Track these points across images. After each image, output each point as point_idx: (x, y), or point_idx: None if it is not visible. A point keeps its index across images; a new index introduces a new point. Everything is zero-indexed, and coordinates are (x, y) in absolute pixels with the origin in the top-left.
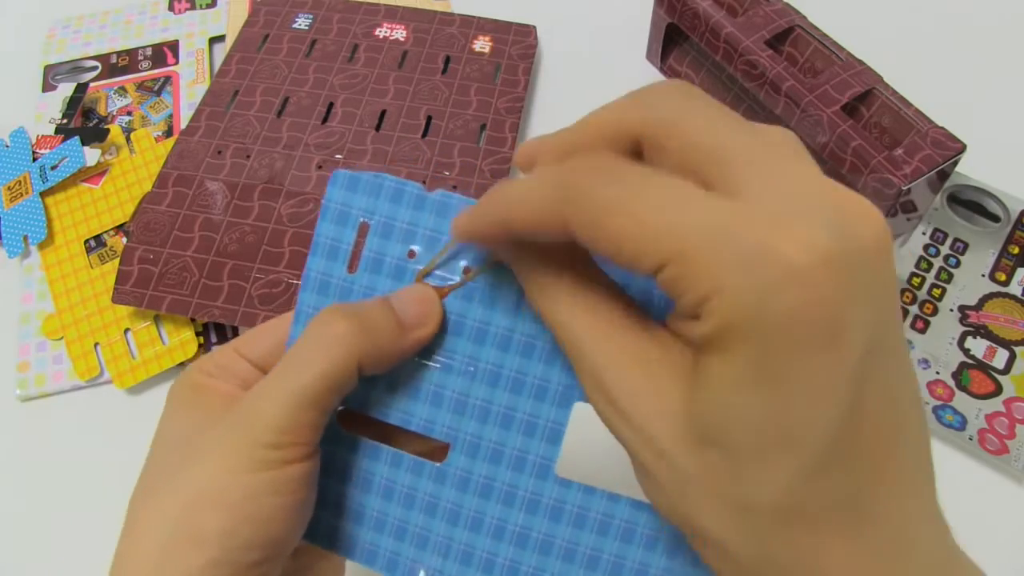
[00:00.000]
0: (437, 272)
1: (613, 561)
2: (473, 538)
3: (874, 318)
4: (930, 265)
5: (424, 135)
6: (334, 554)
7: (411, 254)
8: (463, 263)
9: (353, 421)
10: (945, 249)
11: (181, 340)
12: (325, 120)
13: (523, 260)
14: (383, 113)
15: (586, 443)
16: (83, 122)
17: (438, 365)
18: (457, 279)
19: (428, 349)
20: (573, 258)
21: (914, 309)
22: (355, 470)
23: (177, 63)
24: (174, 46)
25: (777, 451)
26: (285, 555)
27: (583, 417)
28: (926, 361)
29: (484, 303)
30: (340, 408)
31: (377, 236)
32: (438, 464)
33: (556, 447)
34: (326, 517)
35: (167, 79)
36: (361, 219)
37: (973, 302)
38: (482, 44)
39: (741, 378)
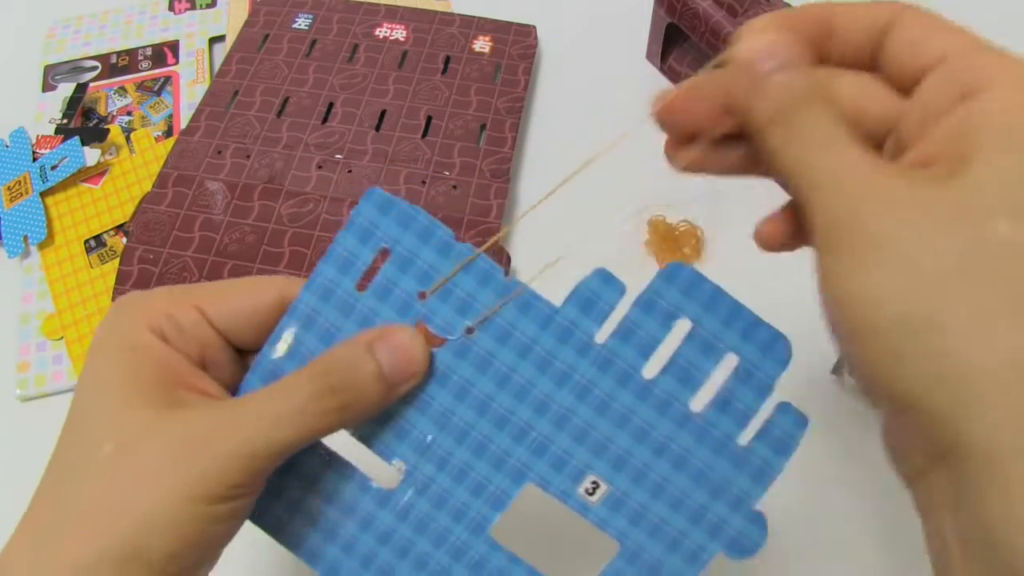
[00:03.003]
0: (440, 319)
1: None
2: (397, 563)
3: None
4: None
5: (424, 135)
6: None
7: (421, 295)
8: (467, 322)
9: None
10: None
11: None
12: (325, 120)
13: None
14: (383, 113)
15: (528, 521)
16: (83, 122)
17: (414, 404)
18: (457, 335)
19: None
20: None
21: None
22: (303, 469)
23: (177, 63)
24: (174, 46)
25: None
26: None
27: (532, 498)
28: None
29: (475, 365)
30: None
31: (394, 266)
32: (385, 488)
33: (497, 512)
34: (269, 504)
35: (167, 79)
36: (383, 244)
37: None
38: (482, 44)
39: None
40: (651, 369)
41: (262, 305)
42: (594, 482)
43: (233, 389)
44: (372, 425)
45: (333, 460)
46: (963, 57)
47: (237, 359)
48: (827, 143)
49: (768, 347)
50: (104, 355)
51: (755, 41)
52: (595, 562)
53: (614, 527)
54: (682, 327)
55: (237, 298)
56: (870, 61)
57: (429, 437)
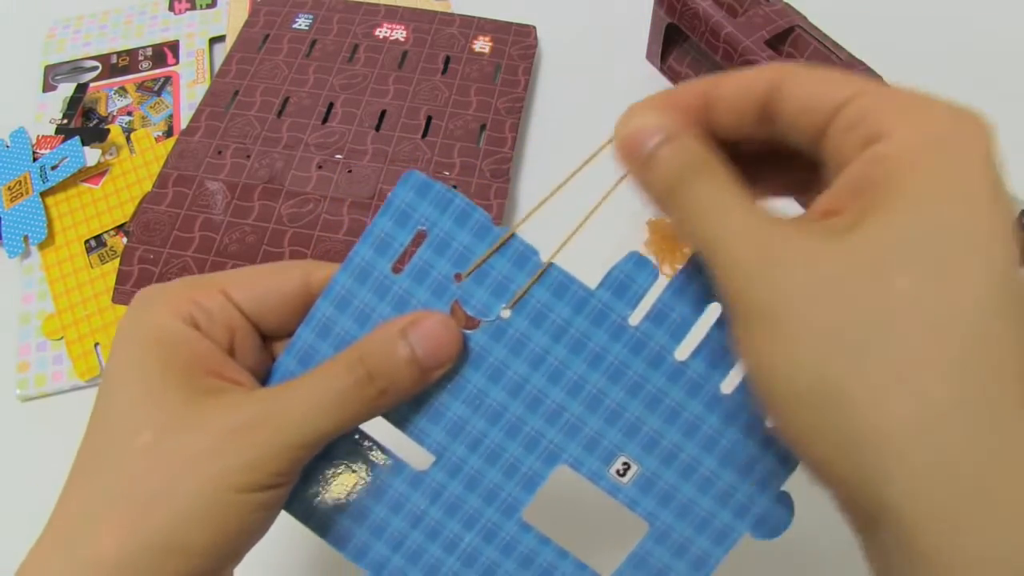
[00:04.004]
0: (475, 301)
1: None
2: (427, 544)
3: None
4: None
5: (424, 135)
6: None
7: (457, 277)
8: (503, 305)
9: None
10: None
11: None
12: (325, 120)
13: (693, 174)
14: (383, 113)
15: (557, 502)
16: (83, 122)
17: (447, 387)
18: (492, 317)
19: None
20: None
21: None
22: (337, 453)
23: (177, 63)
24: (174, 46)
25: None
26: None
27: (561, 479)
28: None
29: (510, 347)
30: None
31: (431, 248)
32: (417, 470)
33: (529, 495)
34: (301, 491)
35: (167, 79)
36: (420, 226)
37: None
38: (482, 44)
39: None
40: (683, 351)
41: (288, 289)
42: (625, 463)
43: (259, 376)
44: (405, 408)
45: (364, 442)
46: (861, 103)
47: (262, 346)
48: (716, 213)
49: None
50: (133, 345)
51: (636, 120)
52: (624, 543)
53: (644, 508)
54: (714, 310)
55: (263, 282)
56: (758, 126)
57: (462, 418)
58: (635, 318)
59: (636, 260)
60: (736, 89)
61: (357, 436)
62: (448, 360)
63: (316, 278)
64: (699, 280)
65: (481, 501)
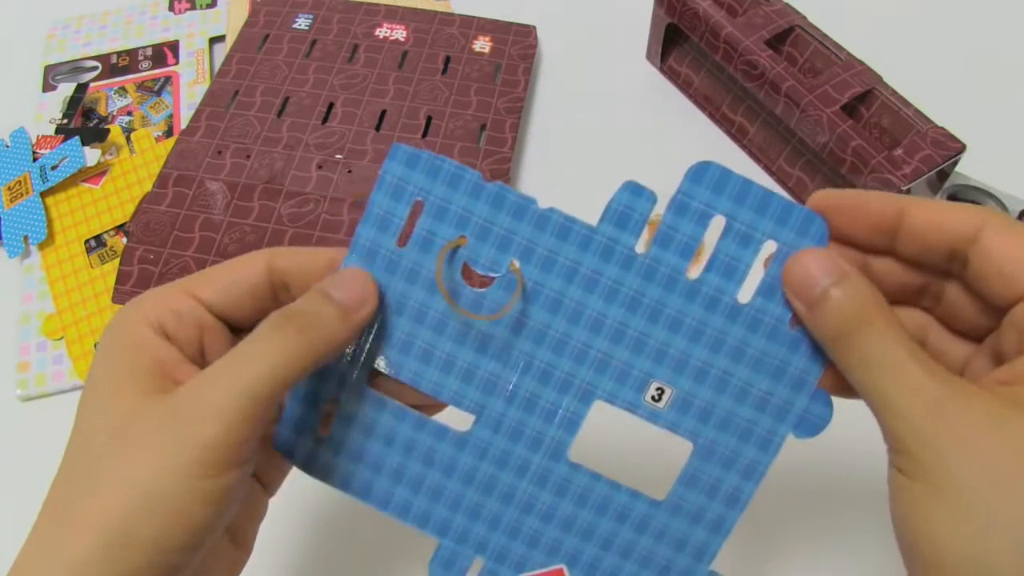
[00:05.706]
0: (484, 259)
1: (605, 536)
2: (483, 499)
3: None
4: None
5: (424, 135)
6: (240, 547)
7: (462, 239)
8: (511, 258)
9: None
10: None
11: None
12: (325, 120)
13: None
14: (383, 113)
15: (600, 438)
16: (83, 122)
17: (474, 347)
18: (502, 272)
19: (464, 330)
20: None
21: None
22: (380, 427)
23: (177, 63)
24: (174, 46)
25: None
26: (204, 552)
27: (600, 416)
28: None
29: (525, 297)
30: (373, 368)
31: (430, 216)
32: (461, 432)
33: (571, 435)
34: (354, 469)
35: (167, 79)
36: (416, 197)
37: None
38: (482, 44)
39: None
40: (694, 270)
41: (252, 279)
42: (659, 388)
43: None
44: (436, 373)
45: (406, 414)
46: None
47: (233, 340)
48: (890, 367)
49: (804, 227)
50: (104, 355)
51: (810, 257)
52: (673, 467)
53: (685, 428)
54: (719, 223)
55: (226, 276)
56: (943, 263)
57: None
58: (641, 246)
59: (632, 188)
60: (932, 223)
61: (397, 408)
62: (367, 298)
63: (278, 264)
64: (698, 195)
65: (527, 450)
